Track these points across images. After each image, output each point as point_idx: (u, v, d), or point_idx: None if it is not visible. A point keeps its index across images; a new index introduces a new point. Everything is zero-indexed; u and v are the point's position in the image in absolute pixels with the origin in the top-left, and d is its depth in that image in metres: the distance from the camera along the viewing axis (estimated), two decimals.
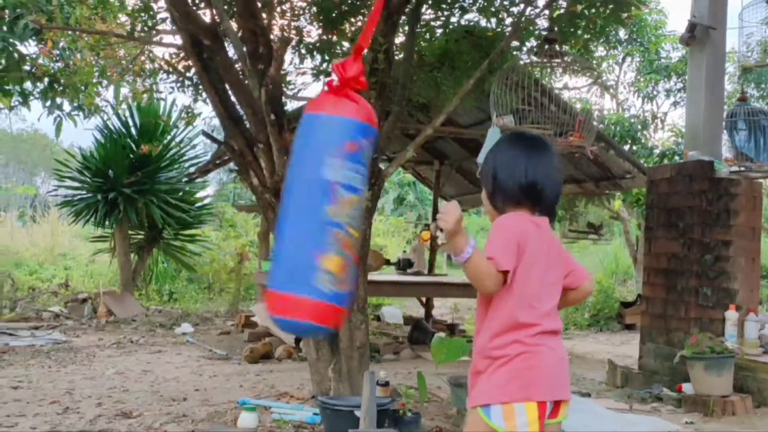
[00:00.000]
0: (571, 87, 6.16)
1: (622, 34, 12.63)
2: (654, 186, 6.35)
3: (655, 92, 13.07)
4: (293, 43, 5.52)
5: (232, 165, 9.86)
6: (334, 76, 2.27)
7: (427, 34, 5.84)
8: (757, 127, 5.95)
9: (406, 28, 5.11)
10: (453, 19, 5.69)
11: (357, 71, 2.23)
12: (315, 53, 5.65)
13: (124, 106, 10.13)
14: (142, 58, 6.74)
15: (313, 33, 5.71)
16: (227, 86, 4.59)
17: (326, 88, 2.31)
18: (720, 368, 5.04)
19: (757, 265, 5.96)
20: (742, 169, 5.85)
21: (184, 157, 11.93)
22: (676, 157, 10.87)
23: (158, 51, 6.61)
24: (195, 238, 12.62)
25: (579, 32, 5.56)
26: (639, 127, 12.68)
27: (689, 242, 5.80)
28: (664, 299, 6.02)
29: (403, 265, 9.96)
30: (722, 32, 6.21)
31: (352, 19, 5.48)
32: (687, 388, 5.23)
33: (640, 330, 6.48)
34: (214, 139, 5.39)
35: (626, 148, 11.53)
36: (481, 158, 5.08)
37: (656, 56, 12.87)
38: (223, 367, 6.48)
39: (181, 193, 11.71)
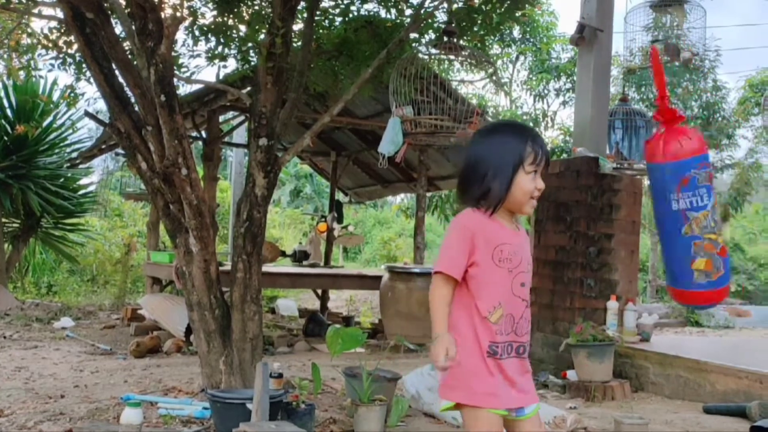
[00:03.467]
0: (468, 81, 6.28)
1: (516, 33, 13.04)
2: (544, 180, 6.56)
3: (546, 91, 13.59)
4: (186, 23, 5.28)
5: (118, 149, 9.38)
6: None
7: (326, 21, 5.75)
8: (632, 127, 6.29)
9: (305, 15, 5.00)
10: (353, 8, 5.64)
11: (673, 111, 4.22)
12: (209, 36, 5.43)
13: None
14: (19, 31, 6.25)
15: (208, 15, 5.49)
16: (113, 64, 4.32)
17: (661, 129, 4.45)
18: (601, 355, 5.28)
19: (636, 258, 6.29)
20: (620, 166, 6.16)
21: (66, 141, 11.24)
22: (565, 155, 11.37)
23: (37, 25, 6.17)
24: (77, 228, 11.93)
25: (476, 28, 5.65)
26: (531, 124, 13.16)
27: (575, 235, 6.04)
28: (552, 290, 6.24)
29: (299, 256, 9.86)
30: (609, 34, 6.50)
31: (249, 2, 5.31)
32: (571, 374, 5.45)
33: None
34: (98, 121, 5.05)
35: None
36: (382, 148, 5.06)
37: (547, 56, 13.39)
38: (107, 362, 6.15)
39: (62, 180, 11.01)
